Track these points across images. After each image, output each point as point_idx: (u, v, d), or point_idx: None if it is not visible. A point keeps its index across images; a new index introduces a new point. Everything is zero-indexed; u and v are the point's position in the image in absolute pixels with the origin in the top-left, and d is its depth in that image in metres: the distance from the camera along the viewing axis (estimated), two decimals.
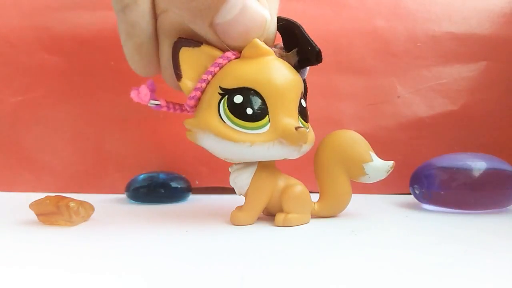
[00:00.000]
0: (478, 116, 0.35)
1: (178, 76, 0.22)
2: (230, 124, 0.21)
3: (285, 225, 0.23)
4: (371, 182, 0.25)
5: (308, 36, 0.23)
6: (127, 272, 0.15)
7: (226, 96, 0.22)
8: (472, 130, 0.35)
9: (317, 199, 0.25)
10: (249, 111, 0.21)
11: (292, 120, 0.22)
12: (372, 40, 0.36)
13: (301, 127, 0.22)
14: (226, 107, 0.21)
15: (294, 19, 0.23)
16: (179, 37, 0.22)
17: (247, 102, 0.21)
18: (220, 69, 0.22)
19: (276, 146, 0.22)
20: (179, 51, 0.22)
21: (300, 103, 0.23)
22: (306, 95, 0.25)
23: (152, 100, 0.23)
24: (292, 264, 0.16)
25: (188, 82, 0.22)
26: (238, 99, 0.21)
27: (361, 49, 0.36)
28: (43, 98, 0.36)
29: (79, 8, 0.36)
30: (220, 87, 0.22)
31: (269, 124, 0.22)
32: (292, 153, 0.23)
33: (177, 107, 0.24)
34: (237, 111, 0.21)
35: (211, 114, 0.22)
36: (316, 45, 0.22)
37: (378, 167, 0.24)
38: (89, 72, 0.35)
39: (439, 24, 0.36)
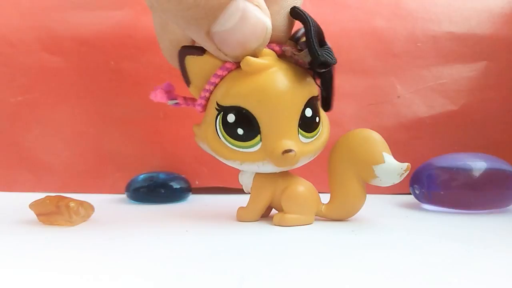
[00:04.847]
0: (478, 116, 0.35)
1: (187, 82, 0.23)
2: (224, 140, 0.22)
3: (281, 224, 0.23)
4: (385, 185, 0.23)
5: (314, 43, 0.20)
6: (127, 272, 0.15)
7: (222, 113, 0.22)
8: (472, 130, 0.35)
9: (327, 201, 0.24)
10: (240, 131, 0.21)
11: (284, 142, 0.21)
12: (372, 40, 0.36)
13: (290, 151, 0.21)
14: (221, 124, 0.22)
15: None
16: (183, 46, 0.22)
17: (239, 122, 0.21)
18: (221, 80, 0.22)
19: (266, 164, 0.22)
20: (184, 59, 0.22)
21: (304, 114, 0.22)
22: (329, 83, 0.23)
23: (170, 100, 0.24)
24: (292, 264, 0.16)
25: (195, 89, 0.23)
26: (231, 118, 0.21)
27: (361, 49, 0.36)
28: (43, 98, 0.36)
29: (79, 8, 0.36)
30: (217, 103, 0.22)
31: (260, 143, 0.22)
32: (285, 169, 0.23)
33: (195, 102, 0.24)
34: (229, 130, 0.22)
35: (208, 128, 0.23)
36: (320, 55, 0.20)
37: (390, 169, 0.22)
38: (89, 72, 0.35)
39: (439, 24, 0.36)
